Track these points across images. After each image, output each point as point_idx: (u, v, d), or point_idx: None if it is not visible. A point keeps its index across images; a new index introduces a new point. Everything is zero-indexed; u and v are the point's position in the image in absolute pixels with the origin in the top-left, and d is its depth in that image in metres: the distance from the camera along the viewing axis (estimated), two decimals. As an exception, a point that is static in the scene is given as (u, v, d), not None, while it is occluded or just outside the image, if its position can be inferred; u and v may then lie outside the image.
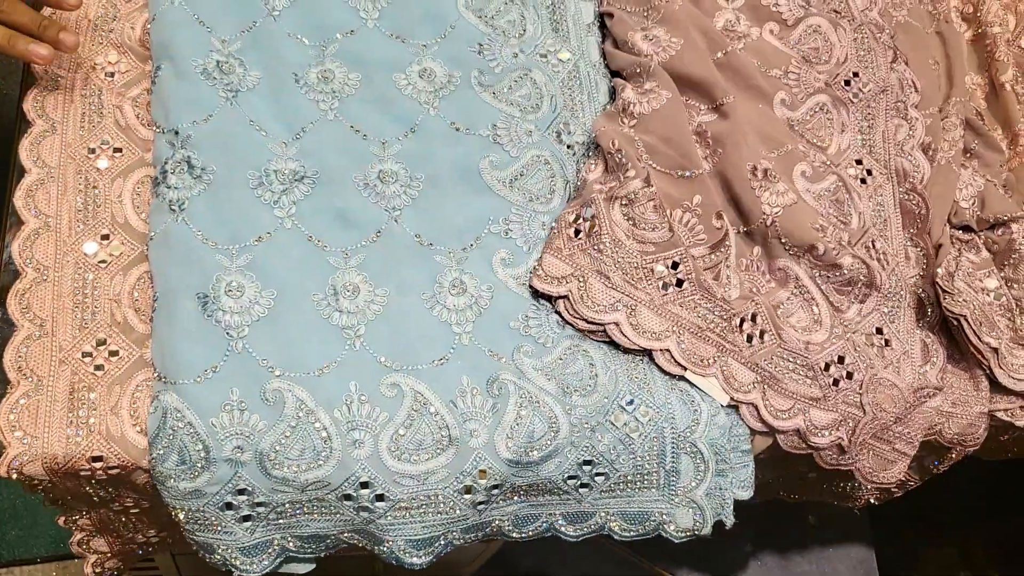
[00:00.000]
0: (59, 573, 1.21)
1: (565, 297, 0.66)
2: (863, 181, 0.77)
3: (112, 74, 0.70)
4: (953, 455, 0.73)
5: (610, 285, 0.66)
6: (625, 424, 0.63)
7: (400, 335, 0.64)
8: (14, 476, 0.57)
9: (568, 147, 0.73)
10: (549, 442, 0.62)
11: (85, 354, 0.61)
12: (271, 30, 0.72)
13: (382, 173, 0.69)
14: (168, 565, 0.85)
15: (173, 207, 0.64)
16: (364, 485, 0.60)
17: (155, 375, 0.60)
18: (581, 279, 0.65)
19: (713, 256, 0.69)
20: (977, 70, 0.88)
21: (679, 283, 0.67)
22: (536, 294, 0.66)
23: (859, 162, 0.77)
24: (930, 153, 0.78)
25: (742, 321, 0.68)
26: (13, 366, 0.60)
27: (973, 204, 0.77)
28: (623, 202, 0.67)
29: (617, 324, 0.65)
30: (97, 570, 0.69)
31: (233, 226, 0.65)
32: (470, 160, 0.70)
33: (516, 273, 0.67)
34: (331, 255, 0.65)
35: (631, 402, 0.64)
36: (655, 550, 1.12)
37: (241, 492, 0.59)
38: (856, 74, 0.80)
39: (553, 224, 0.69)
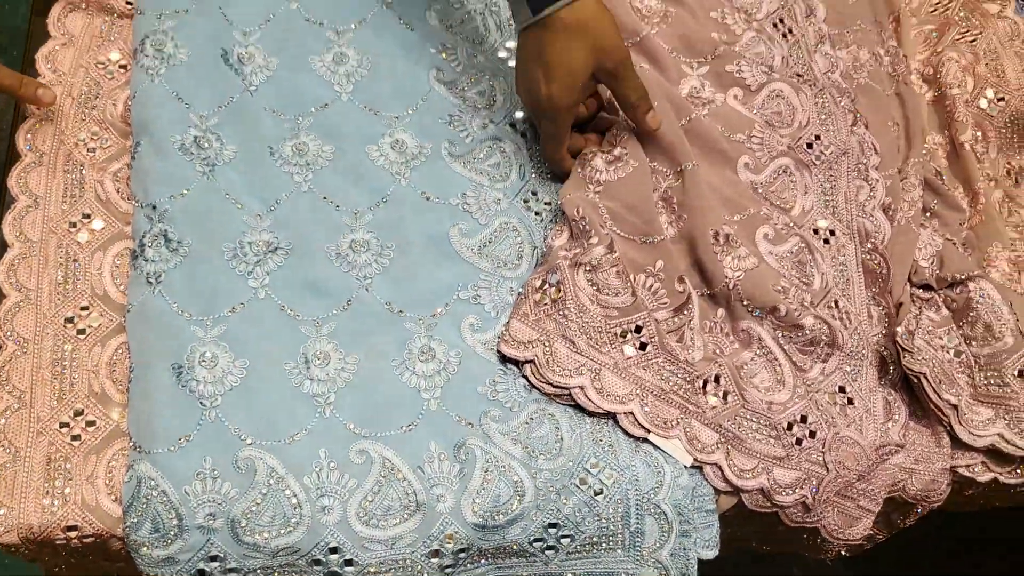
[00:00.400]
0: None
1: (531, 361, 0.67)
2: (826, 242, 0.79)
3: (94, 149, 0.73)
4: (918, 510, 0.74)
5: (575, 350, 0.67)
6: (590, 487, 0.65)
7: (369, 402, 0.65)
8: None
9: (536, 214, 0.75)
10: (515, 506, 0.63)
11: (63, 424, 0.62)
12: (248, 105, 0.75)
13: (353, 242, 0.71)
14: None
15: (150, 279, 0.66)
16: (333, 551, 0.61)
17: (130, 444, 0.62)
18: (547, 344, 0.67)
19: (676, 319, 0.71)
20: (938, 130, 0.91)
21: (643, 346, 0.69)
22: (503, 359, 0.68)
23: (822, 224, 0.79)
24: (890, 213, 0.81)
25: (705, 383, 0.69)
26: (-9, 436, 0.62)
27: (932, 263, 0.79)
28: (587, 268, 0.69)
29: (582, 388, 0.67)
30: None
31: (208, 297, 0.67)
32: (440, 228, 0.73)
33: (484, 338, 0.69)
34: (303, 324, 0.67)
35: (596, 465, 0.65)
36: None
37: (213, 559, 0.61)
38: (818, 137, 0.83)
39: (520, 290, 0.71)
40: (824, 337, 0.72)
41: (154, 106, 0.73)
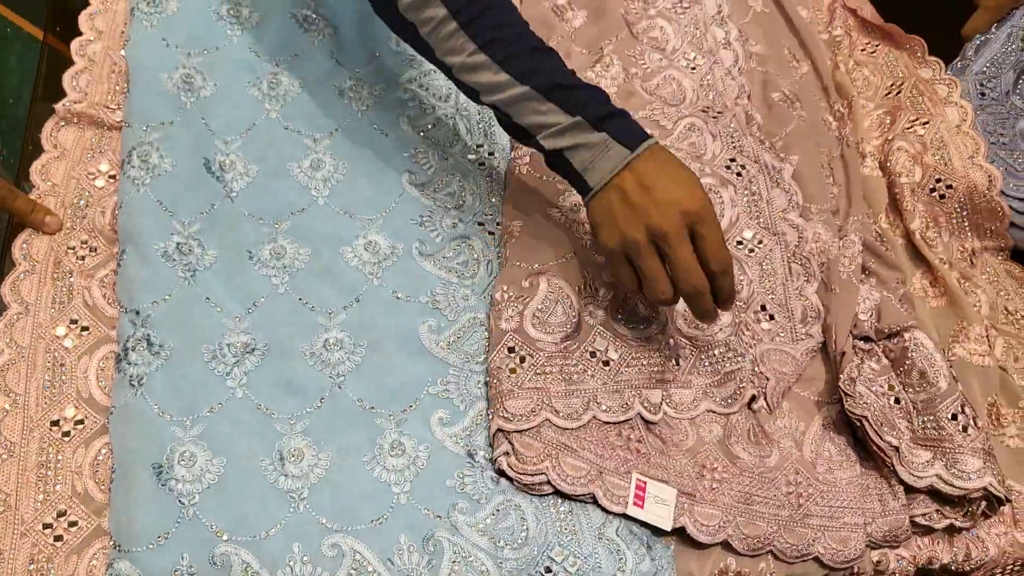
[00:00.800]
0: None
1: (506, 454, 0.70)
2: (751, 251, 0.85)
3: (83, 257, 0.77)
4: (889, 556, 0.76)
5: (581, 459, 0.71)
6: (554, 574, 0.67)
7: (342, 497, 0.68)
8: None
9: None
10: None
11: (46, 525, 0.65)
12: (228, 211, 0.79)
13: (327, 342, 0.74)
14: None
15: (133, 382, 0.70)
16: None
17: (111, 543, 0.64)
18: (554, 458, 0.70)
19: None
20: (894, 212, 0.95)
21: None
22: (469, 454, 0.71)
23: (747, 235, 0.86)
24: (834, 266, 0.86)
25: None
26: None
27: (871, 316, 0.82)
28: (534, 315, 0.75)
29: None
30: None
31: (188, 398, 0.70)
32: (410, 326, 0.76)
33: (453, 432, 0.72)
34: (278, 422, 0.70)
35: (560, 553, 0.67)
36: None
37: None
38: (733, 159, 0.89)
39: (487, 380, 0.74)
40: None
41: (139, 215, 0.77)
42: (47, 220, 0.77)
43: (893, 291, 0.85)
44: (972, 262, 0.92)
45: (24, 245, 0.76)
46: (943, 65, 1.04)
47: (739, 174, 0.88)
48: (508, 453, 0.70)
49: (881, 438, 0.75)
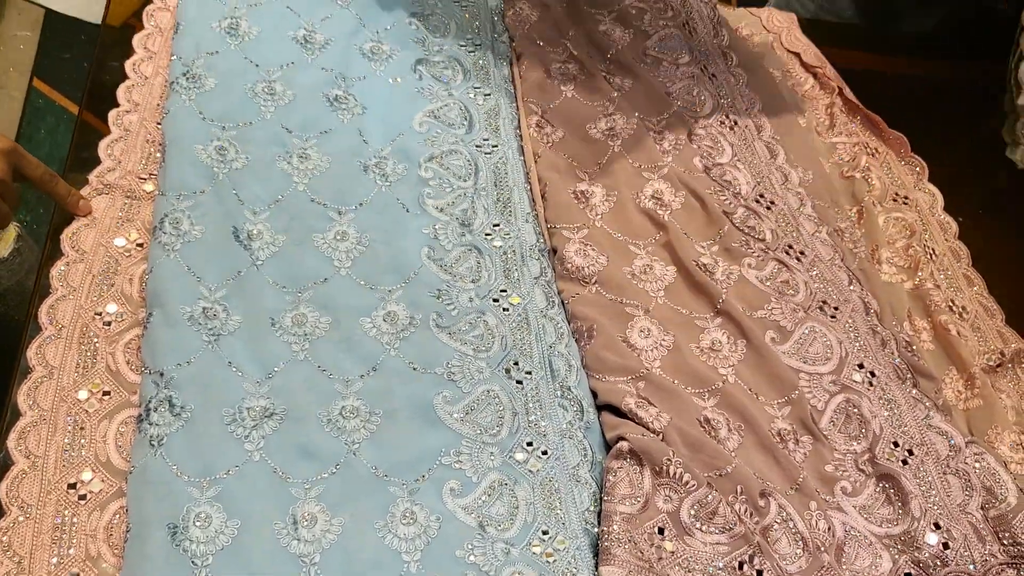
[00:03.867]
0: None
1: None
2: (870, 384, 0.84)
3: (109, 323, 0.79)
4: None
5: None
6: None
7: (353, 563, 0.68)
8: None
9: (518, 382, 0.80)
10: None
11: (58, 588, 0.65)
12: (253, 278, 0.82)
13: (344, 409, 0.75)
14: None
15: (152, 443, 0.71)
16: None
17: None
18: None
19: (773, 532, 0.74)
20: (921, 314, 0.95)
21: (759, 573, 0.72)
22: (480, 525, 0.71)
23: (857, 378, 0.84)
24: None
25: None
26: (-11, 601, 0.64)
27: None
28: (692, 509, 0.74)
29: None
30: None
31: (206, 460, 0.71)
32: (425, 396, 0.77)
33: (464, 503, 0.72)
34: (293, 486, 0.71)
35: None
36: None
37: None
38: (825, 301, 0.89)
39: (613, 535, 0.71)
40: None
41: (168, 279, 0.79)
42: (80, 204, 0.84)
43: (935, 400, 0.85)
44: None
45: (50, 310, 0.78)
46: (925, 166, 1.07)
47: (870, 383, 0.85)
48: None
49: None
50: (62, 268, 0.81)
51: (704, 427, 0.79)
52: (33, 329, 0.78)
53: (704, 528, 0.72)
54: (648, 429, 0.77)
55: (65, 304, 0.79)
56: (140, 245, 0.84)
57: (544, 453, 0.76)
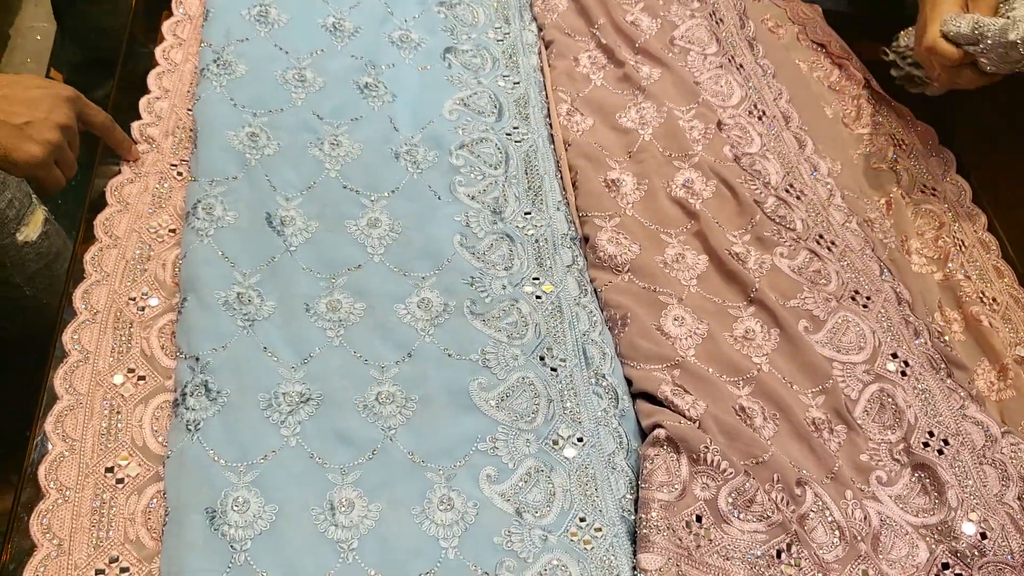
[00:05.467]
0: None
1: None
2: (903, 374, 0.84)
3: (143, 308, 0.78)
4: None
5: None
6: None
7: (390, 549, 0.68)
8: None
9: (552, 369, 0.80)
10: None
11: (98, 571, 0.65)
12: (287, 264, 0.81)
13: (379, 395, 0.75)
14: None
15: (189, 427, 0.70)
16: None
17: None
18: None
19: (809, 520, 0.74)
20: (952, 305, 0.95)
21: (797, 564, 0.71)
22: (518, 512, 0.71)
23: (891, 367, 0.84)
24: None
25: None
26: (30, 584, 0.64)
27: None
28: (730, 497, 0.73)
29: None
30: None
31: (243, 445, 0.71)
32: (460, 382, 0.77)
33: (501, 489, 0.72)
34: (330, 472, 0.71)
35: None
36: None
37: None
38: (857, 291, 0.89)
39: (650, 521, 0.71)
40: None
41: (202, 264, 0.79)
42: (132, 150, 0.88)
43: (968, 391, 0.85)
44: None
45: (84, 295, 0.78)
46: (953, 158, 1.07)
47: (904, 373, 0.84)
48: None
49: None
50: (95, 253, 0.81)
51: (740, 415, 0.79)
52: (67, 313, 0.78)
53: (742, 516, 0.72)
54: (684, 417, 0.76)
55: (99, 289, 0.79)
56: (172, 231, 0.84)
57: (579, 440, 0.76)
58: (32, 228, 1.03)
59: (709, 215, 0.92)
